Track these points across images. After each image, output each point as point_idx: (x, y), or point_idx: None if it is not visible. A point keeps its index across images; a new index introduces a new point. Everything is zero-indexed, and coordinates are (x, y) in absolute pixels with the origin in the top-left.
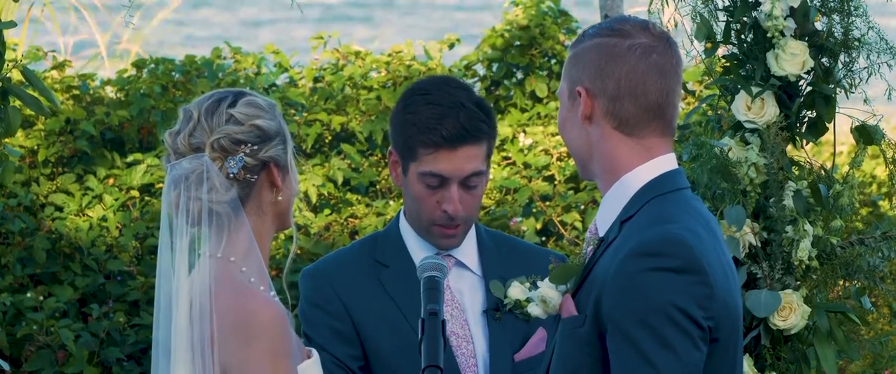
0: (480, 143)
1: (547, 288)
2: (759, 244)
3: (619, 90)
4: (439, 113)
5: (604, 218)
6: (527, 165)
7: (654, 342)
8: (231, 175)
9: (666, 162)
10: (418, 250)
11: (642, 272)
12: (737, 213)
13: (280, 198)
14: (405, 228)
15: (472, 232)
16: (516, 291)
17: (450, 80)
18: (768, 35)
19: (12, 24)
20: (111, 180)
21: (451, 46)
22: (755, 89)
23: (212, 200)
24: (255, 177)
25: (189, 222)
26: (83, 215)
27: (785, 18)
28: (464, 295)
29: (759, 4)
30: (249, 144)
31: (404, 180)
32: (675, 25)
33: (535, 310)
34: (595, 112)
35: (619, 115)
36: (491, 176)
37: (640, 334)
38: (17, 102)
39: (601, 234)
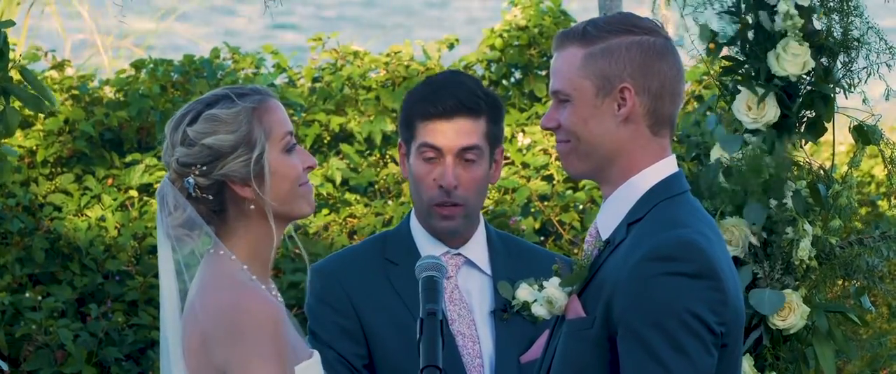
0: (476, 117)
1: (553, 289)
2: (759, 244)
3: (663, 89)
4: (437, 88)
5: (607, 220)
6: (525, 165)
7: (669, 347)
8: (191, 195)
9: (671, 163)
10: (428, 249)
11: (657, 276)
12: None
13: (252, 207)
14: (415, 226)
15: (482, 232)
16: (525, 292)
17: (461, 72)
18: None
19: (11, 24)
20: (110, 181)
21: (451, 47)
22: (759, 90)
23: (169, 223)
24: (219, 192)
25: (169, 236)
26: (82, 215)
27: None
28: (472, 295)
29: (761, 5)
30: (199, 166)
31: (409, 168)
32: (686, 29)
33: (539, 311)
34: (635, 111)
35: (657, 114)
36: None
37: (655, 338)
38: (16, 103)
39: (604, 236)
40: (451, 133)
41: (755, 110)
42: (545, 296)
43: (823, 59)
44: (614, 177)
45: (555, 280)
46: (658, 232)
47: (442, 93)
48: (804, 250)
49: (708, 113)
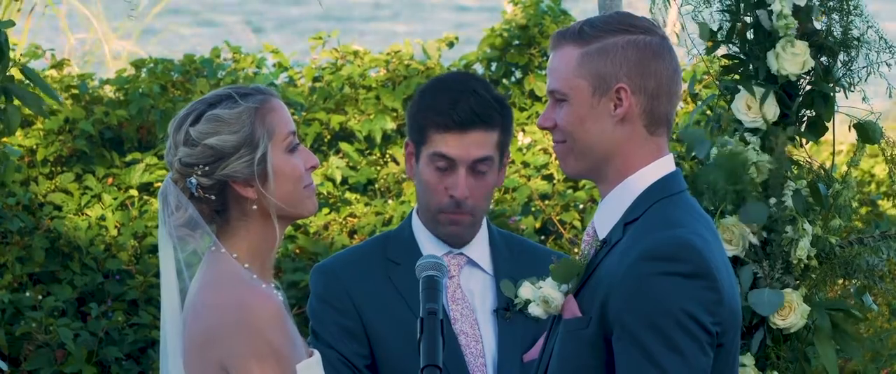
0: (491, 129)
1: (549, 289)
2: (759, 244)
3: (659, 89)
4: (452, 97)
5: (604, 219)
6: (526, 164)
7: (663, 347)
8: (193, 195)
9: (668, 162)
10: (431, 249)
11: (653, 276)
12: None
13: (254, 207)
14: (418, 226)
15: (484, 232)
16: (527, 291)
17: (469, 74)
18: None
19: (11, 24)
20: (110, 180)
21: (451, 46)
22: (758, 89)
23: (171, 223)
24: (222, 191)
25: (171, 235)
26: (82, 214)
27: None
28: (474, 294)
29: (760, 4)
30: (201, 166)
31: (416, 170)
32: (682, 27)
33: (535, 310)
34: (632, 111)
35: (653, 113)
36: None
37: (650, 337)
38: (17, 101)
39: (601, 236)
40: (465, 145)
41: (755, 109)
42: (541, 296)
43: (823, 59)
44: (611, 176)
45: (550, 280)
46: (654, 232)
47: (458, 104)
48: (803, 249)
49: (708, 112)
